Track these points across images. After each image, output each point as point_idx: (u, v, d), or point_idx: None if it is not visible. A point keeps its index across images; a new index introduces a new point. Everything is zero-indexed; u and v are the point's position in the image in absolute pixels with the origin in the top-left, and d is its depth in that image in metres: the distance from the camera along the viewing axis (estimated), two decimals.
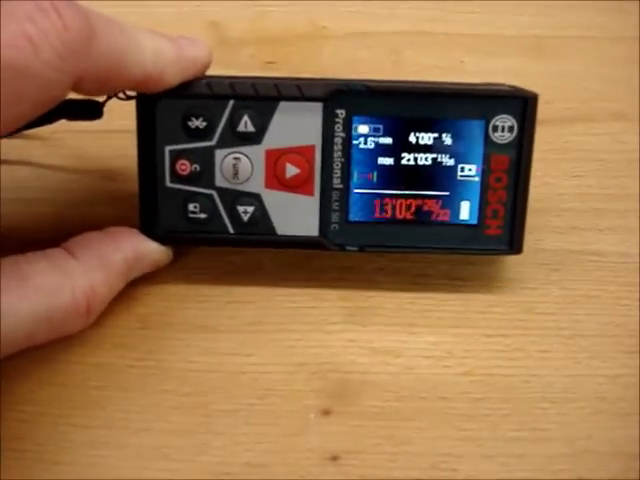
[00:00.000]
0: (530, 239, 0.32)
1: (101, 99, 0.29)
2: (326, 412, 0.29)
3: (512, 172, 0.29)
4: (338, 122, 0.28)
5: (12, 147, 0.33)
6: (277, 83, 0.28)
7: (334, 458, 0.28)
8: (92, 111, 0.30)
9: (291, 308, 0.31)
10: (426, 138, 0.28)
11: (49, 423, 0.29)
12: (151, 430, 0.29)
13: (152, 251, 0.29)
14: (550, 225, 0.32)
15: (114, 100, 0.28)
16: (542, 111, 0.34)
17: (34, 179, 0.33)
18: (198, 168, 0.28)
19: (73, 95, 0.25)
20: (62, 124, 0.32)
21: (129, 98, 0.28)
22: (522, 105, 0.28)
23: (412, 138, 0.28)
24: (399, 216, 0.29)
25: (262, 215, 0.29)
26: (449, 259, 0.31)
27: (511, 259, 0.32)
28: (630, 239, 0.32)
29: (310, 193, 0.29)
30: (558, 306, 0.31)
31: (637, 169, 0.33)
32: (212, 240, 0.29)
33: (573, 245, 0.32)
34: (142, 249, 0.28)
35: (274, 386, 0.29)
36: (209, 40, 0.35)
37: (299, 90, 0.28)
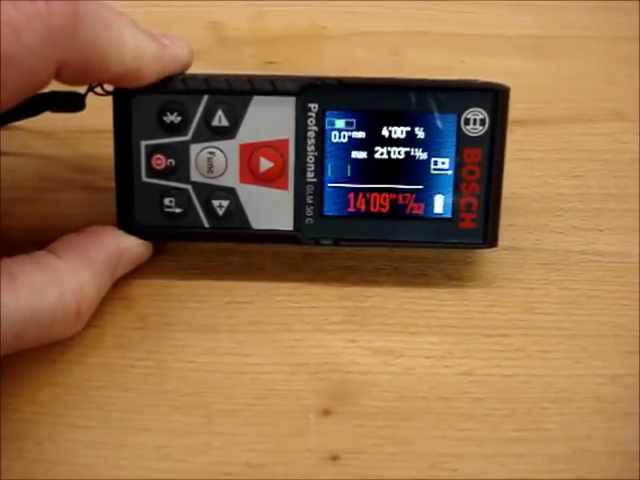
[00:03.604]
0: (530, 239, 0.32)
1: (82, 91, 0.29)
2: (326, 412, 0.29)
3: (485, 165, 0.29)
4: (311, 116, 0.29)
5: (12, 147, 0.33)
6: (250, 78, 0.28)
7: (334, 458, 0.28)
8: (75, 103, 0.30)
9: (291, 308, 0.31)
10: (399, 132, 0.29)
11: (49, 423, 0.29)
12: (151, 430, 0.29)
13: (133, 246, 0.29)
14: (550, 225, 0.32)
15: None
16: (542, 111, 0.34)
17: (34, 179, 0.33)
18: (173, 163, 0.29)
19: (57, 87, 0.25)
20: (61, 124, 0.32)
21: (108, 93, 0.29)
22: (493, 98, 0.28)
23: (385, 132, 0.29)
24: (373, 210, 0.29)
25: (237, 209, 0.29)
26: (449, 259, 0.31)
27: (511, 259, 0.32)
28: (630, 239, 0.32)
29: (284, 187, 0.29)
30: (558, 306, 0.31)
31: (637, 169, 0.33)
32: (187, 234, 0.29)
33: (573, 245, 0.32)
34: (123, 244, 0.29)
35: (274, 386, 0.29)
36: (209, 40, 0.35)
37: (272, 85, 0.28)
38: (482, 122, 0.29)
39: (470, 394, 0.29)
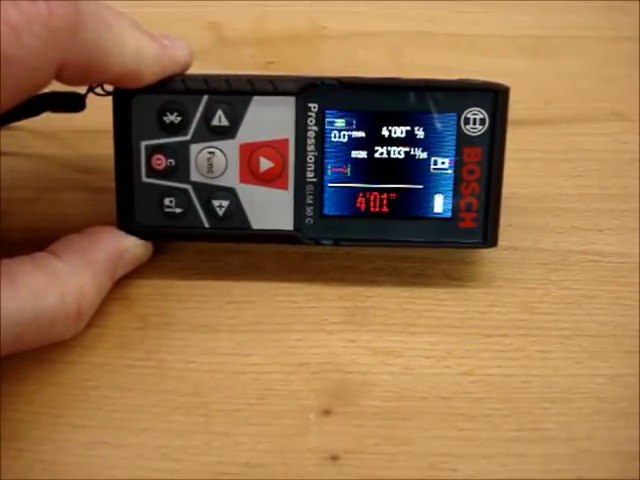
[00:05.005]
0: (530, 239, 0.32)
1: (82, 91, 0.29)
2: (326, 412, 0.29)
3: (485, 164, 0.29)
4: (311, 116, 0.29)
5: (12, 147, 0.33)
6: (250, 78, 0.28)
7: (334, 458, 0.28)
8: (75, 103, 0.30)
9: (291, 308, 0.31)
10: (399, 131, 0.29)
11: (47, 423, 0.29)
12: (150, 430, 0.29)
13: (133, 246, 0.29)
14: (550, 225, 0.32)
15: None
16: (542, 111, 0.34)
17: (34, 179, 0.33)
18: (173, 163, 0.29)
19: (57, 87, 0.25)
20: (61, 124, 0.33)
21: (108, 94, 0.29)
22: (493, 98, 0.29)
23: (385, 132, 0.29)
24: (373, 210, 0.29)
25: (237, 209, 0.29)
26: (449, 259, 0.31)
27: (511, 259, 0.32)
28: (630, 239, 0.32)
29: (284, 187, 0.29)
30: (558, 306, 0.31)
31: (637, 169, 0.33)
32: (188, 234, 0.29)
33: (573, 245, 0.32)
34: (123, 245, 0.29)
35: (274, 386, 0.29)
36: (209, 40, 0.35)
37: (272, 85, 0.28)
38: (482, 122, 0.29)
39: (470, 394, 0.29)
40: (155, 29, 0.27)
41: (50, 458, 0.28)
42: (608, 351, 0.30)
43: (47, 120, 0.31)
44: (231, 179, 0.29)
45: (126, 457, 0.28)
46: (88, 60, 0.24)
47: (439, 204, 0.29)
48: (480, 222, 0.29)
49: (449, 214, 0.29)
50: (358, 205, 0.29)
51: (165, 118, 0.28)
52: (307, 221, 0.29)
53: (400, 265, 0.32)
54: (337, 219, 0.29)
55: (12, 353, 0.25)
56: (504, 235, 0.30)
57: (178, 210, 0.29)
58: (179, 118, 0.28)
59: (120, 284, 0.30)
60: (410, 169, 0.29)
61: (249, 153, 0.29)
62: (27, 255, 0.26)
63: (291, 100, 0.28)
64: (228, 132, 0.29)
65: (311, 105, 0.29)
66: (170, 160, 0.29)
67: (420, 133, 0.29)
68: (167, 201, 0.29)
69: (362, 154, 0.29)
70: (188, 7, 0.35)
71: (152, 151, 0.29)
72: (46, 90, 0.25)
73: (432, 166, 0.29)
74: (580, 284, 0.31)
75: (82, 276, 0.27)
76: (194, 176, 0.29)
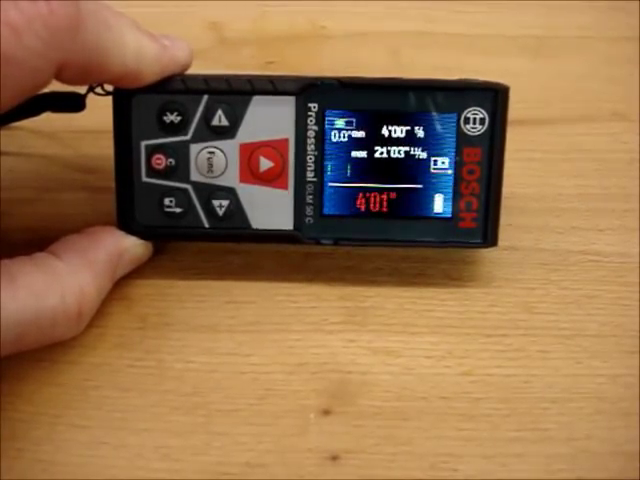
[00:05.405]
0: (530, 239, 0.32)
1: (82, 91, 0.29)
2: (326, 412, 0.29)
3: (485, 164, 0.29)
4: (311, 116, 0.29)
5: (12, 147, 0.33)
6: (250, 78, 0.28)
7: (334, 458, 0.28)
8: (75, 103, 0.30)
9: (291, 308, 0.31)
10: (399, 131, 0.29)
11: (47, 423, 0.29)
12: (150, 430, 0.29)
13: (133, 246, 0.29)
14: (550, 225, 0.32)
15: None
16: (542, 111, 0.34)
17: (34, 179, 0.33)
18: (173, 162, 0.29)
19: (57, 87, 0.25)
20: (62, 124, 0.33)
21: (108, 94, 0.29)
22: (493, 97, 0.29)
23: (385, 131, 0.29)
24: (373, 209, 0.29)
25: (237, 209, 0.29)
26: (449, 259, 0.31)
27: (511, 259, 0.32)
28: (630, 239, 0.32)
29: (284, 187, 0.29)
30: (558, 306, 0.31)
31: (637, 169, 0.33)
32: (188, 234, 0.29)
33: (573, 245, 0.32)
34: (123, 245, 0.29)
35: (274, 386, 0.29)
36: (209, 40, 0.35)
37: (272, 85, 0.28)
38: (482, 121, 0.29)
39: (470, 394, 0.29)
40: (155, 29, 0.27)
41: (49, 458, 0.28)
42: (608, 351, 0.30)
43: (47, 120, 0.31)
44: (231, 179, 0.29)
45: (126, 457, 0.28)
46: (88, 60, 0.24)
47: (439, 204, 0.29)
48: (480, 222, 0.29)
49: (449, 214, 0.29)
50: (358, 205, 0.29)
51: (165, 118, 0.28)
52: (307, 221, 0.29)
53: (400, 265, 0.31)
54: (337, 219, 0.30)
55: (12, 353, 0.25)
56: (504, 235, 0.30)
57: (178, 210, 0.29)
58: (179, 118, 0.28)
59: (120, 284, 0.30)
60: (410, 169, 0.29)
61: (249, 153, 0.29)
62: (27, 255, 0.26)
63: (291, 100, 0.28)
64: (228, 132, 0.29)
65: (311, 105, 0.29)
66: (170, 160, 0.29)
67: (420, 133, 0.29)
68: (167, 201, 0.29)
69: (362, 154, 0.29)
70: (188, 7, 0.35)
71: (152, 151, 0.29)
72: (46, 90, 0.25)
73: (432, 166, 0.29)
74: (580, 284, 0.31)
75: (82, 276, 0.27)
76: (194, 176, 0.29)
